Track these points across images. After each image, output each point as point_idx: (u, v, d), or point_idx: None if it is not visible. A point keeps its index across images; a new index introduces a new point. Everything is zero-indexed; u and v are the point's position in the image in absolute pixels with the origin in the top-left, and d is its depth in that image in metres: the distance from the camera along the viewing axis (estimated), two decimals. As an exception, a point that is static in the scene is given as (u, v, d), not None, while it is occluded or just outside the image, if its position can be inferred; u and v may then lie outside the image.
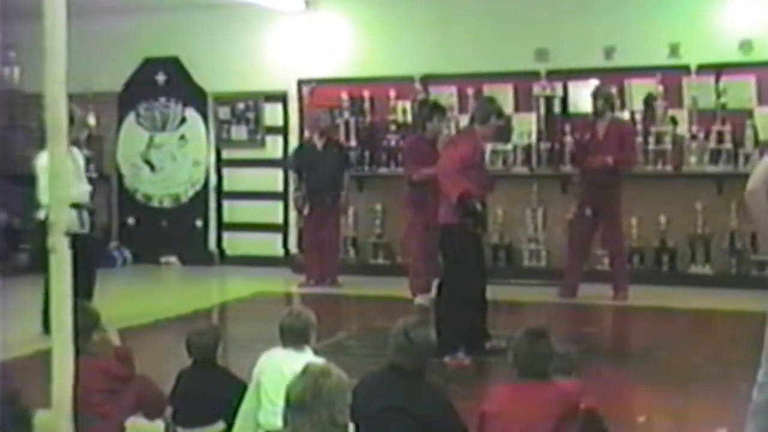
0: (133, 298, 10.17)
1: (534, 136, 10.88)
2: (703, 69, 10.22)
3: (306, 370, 3.28)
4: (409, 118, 11.29)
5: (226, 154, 12.59)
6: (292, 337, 4.66)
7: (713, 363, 7.20)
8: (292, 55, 11.92)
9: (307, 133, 11.49)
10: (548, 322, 9.10)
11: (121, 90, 12.90)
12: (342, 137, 11.57)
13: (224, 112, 12.48)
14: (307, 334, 4.68)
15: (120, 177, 13.03)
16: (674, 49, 10.36)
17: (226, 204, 12.64)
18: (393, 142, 11.35)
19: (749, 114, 10.09)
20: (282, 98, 12.12)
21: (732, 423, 5.11)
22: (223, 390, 4.75)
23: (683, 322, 9.07)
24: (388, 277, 10.78)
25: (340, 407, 3.21)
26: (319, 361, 3.79)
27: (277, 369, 4.48)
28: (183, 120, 12.71)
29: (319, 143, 10.77)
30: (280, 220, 11.97)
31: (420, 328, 4.18)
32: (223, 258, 12.63)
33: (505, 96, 10.95)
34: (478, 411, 4.13)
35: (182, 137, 12.73)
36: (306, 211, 10.77)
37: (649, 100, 10.12)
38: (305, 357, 4.43)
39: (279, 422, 3.38)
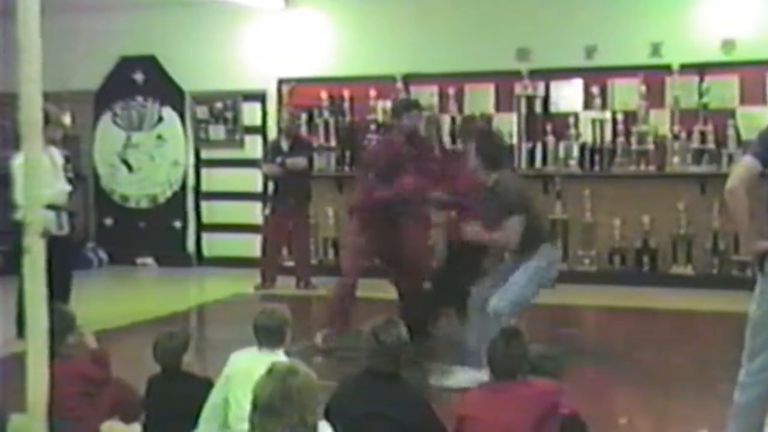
0: (109, 300, 10.07)
1: (515, 136, 10.83)
2: (685, 69, 10.19)
3: (272, 370, 3.17)
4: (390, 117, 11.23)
5: (204, 154, 12.48)
6: (266, 336, 4.54)
7: (695, 364, 7.18)
8: (272, 53, 11.83)
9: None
10: (529, 323, 9.10)
11: (97, 89, 12.77)
12: (321, 137, 11.52)
13: (202, 112, 12.36)
14: (282, 333, 4.56)
15: (96, 177, 12.91)
16: (656, 49, 10.33)
17: (204, 204, 12.52)
18: (373, 142, 11.28)
19: (732, 114, 10.08)
20: (261, 97, 12.02)
21: (714, 424, 5.09)
22: (197, 398, 4.63)
23: (665, 323, 9.04)
24: (369, 279, 10.69)
25: (310, 408, 3.11)
26: (295, 362, 3.67)
27: (246, 372, 4.33)
28: (160, 119, 12.58)
29: (284, 144, 10.69)
30: (258, 221, 11.85)
31: (390, 328, 4.11)
32: (201, 259, 12.52)
33: (486, 96, 10.97)
34: (456, 413, 4.10)
35: (159, 137, 12.60)
36: (267, 211, 10.75)
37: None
38: (276, 359, 4.34)
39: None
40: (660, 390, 6.78)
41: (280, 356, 4.46)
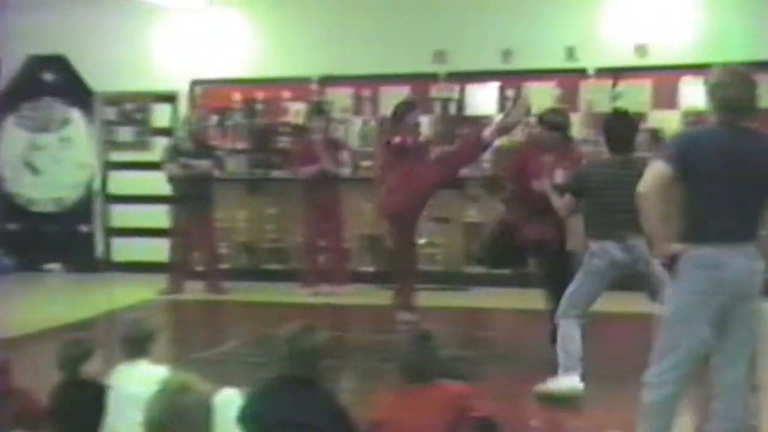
0: (15, 308, 9.79)
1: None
2: (600, 73, 10.30)
3: (164, 388, 3.04)
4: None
5: (112, 157, 12.20)
6: (130, 347, 4.48)
7: (607, 365, 7.20)
8: (185, 54, 11.62)
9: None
10: (445, 327, 9.07)
11: (3, 89, 12.40)
12: (234, 140, 11.38)
13: (112, 113, 12.10)
14: (145, 343, 4.50)
15: (0, 180, 12.54)
16: (571, 53, 10.41)
17: (113, 208, 12.24)
18: (287, 145, 11.19)
19: (644, 118, 10.16)
20: (173, 99, 11.80)
21: (625, 425, 5.11)
22: (100, 406, 4.49)
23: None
24: (284, 283, 10.61)
25: (202, 427, 3.00)
26: (160, 372, 3.55)
27: (117, 389, 4.35)
28: (67, 120, 12.27)
29: (188, 146, 10.57)
30: (168, 224, 11.62)
31: (306, 334, 4.05)
32: (110, 264, 12.22)
33: (402, 98, 10.89)
34: (368, 419, 4.08)
35: (66, 139, 12.29)
36: (174, 215, 10.66)
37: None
38: (144, 371, 4.30)
39: None
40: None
41: (145, 367, 4.39)
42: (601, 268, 6.39)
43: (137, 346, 4.48)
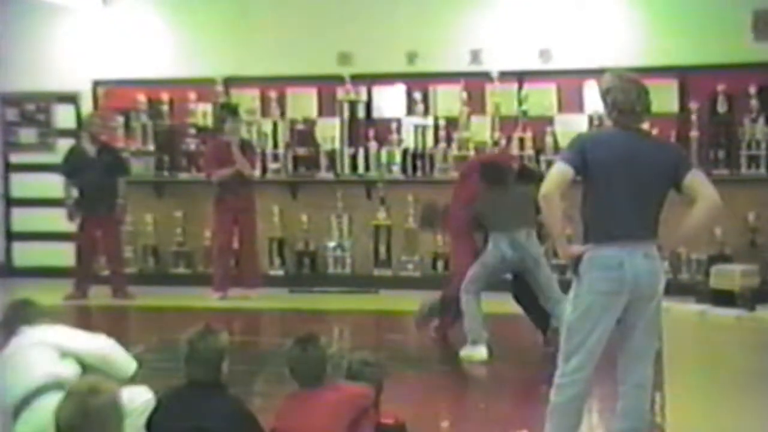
0: None
1: (338, 142, 10.78)
2: (504, 76, 10.36)
3: (72, 390, 3.08)
4: (210, 121, 11.05)
5: (13, 159, 11.91)
6: None
7: (515, 366, 7.29)
8: (87, 53, 11.39)
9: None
10: (354, 330, 9.08)
11: None
12: (139, 141, 11.19)
13: (12, 114, 11.81)
14: None
15: None
16: (476, 56, 10.49)
17: (14, 212, 11.95)
18: (193, 147, 11.06)
19: (550, 121, 10.31)
20: (75, 99, 11.56)
21: (533, 425, 5.17)
22: None
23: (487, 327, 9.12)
24: (190, 287, 10.48)
25: (113, 425, 3.05)
26: (71, 370, 3.48)
27: None
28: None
29: (91, 149, 10.36)
30: (74, 228, 11.39)
31: (206, 336, 4.03)
32: (13, 270, 11.93)
33: (309, 100, 10.89)
34: (269, 426, 4.06)
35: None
36: (77, 219, 10.42)
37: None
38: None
39: None
40: (482, 393, 6.87)
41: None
42: (497, 259, 7.49)
43: None
